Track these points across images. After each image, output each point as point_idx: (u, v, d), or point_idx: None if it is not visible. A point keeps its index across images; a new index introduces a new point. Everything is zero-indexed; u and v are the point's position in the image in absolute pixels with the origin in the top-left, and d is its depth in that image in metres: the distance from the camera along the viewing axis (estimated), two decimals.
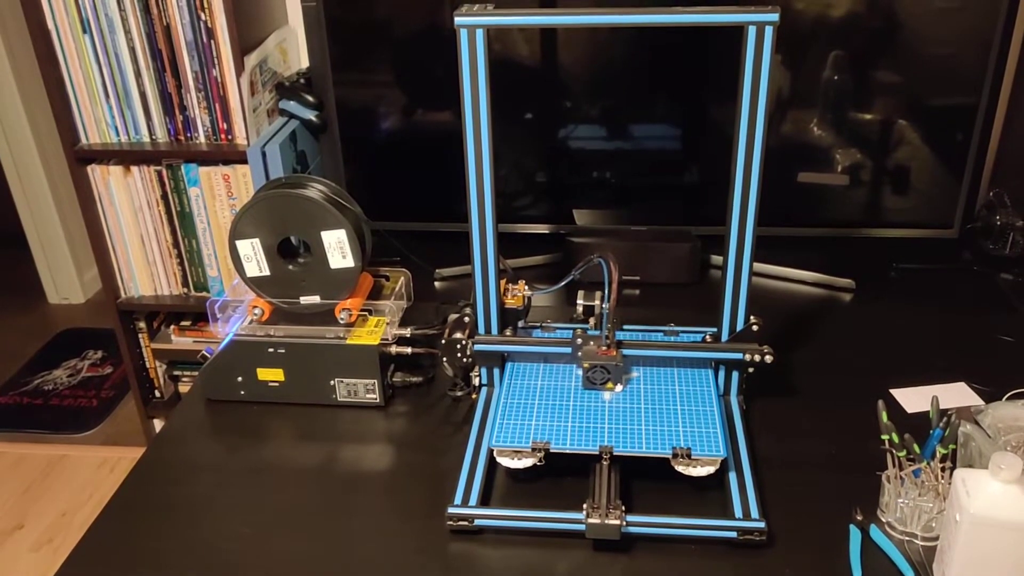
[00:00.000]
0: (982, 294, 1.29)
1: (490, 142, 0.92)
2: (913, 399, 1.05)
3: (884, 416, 0.87)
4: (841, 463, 0.95)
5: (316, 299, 1.04)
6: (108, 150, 1.42)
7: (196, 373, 1.60)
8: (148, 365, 1.63)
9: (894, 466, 0.86)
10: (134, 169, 1.43)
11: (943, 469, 0.84)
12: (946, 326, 1.20)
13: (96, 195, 1.46)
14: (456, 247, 1.39)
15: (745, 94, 0.87)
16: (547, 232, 1.40)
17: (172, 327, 1.62)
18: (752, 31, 0.85)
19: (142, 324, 1.61)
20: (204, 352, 1.10)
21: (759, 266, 1.34)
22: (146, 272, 1.52)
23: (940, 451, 0.84)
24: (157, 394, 1.67)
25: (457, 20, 0.87)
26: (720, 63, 1.27)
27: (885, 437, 0.86)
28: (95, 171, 1.44)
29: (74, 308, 2.74)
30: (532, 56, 1.30)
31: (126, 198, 1.45)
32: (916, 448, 0.85)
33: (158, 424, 1.69)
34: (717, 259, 1.38)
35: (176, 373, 1.67)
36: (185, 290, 1.54)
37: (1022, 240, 1.31)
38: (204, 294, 1.54)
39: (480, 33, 0.88)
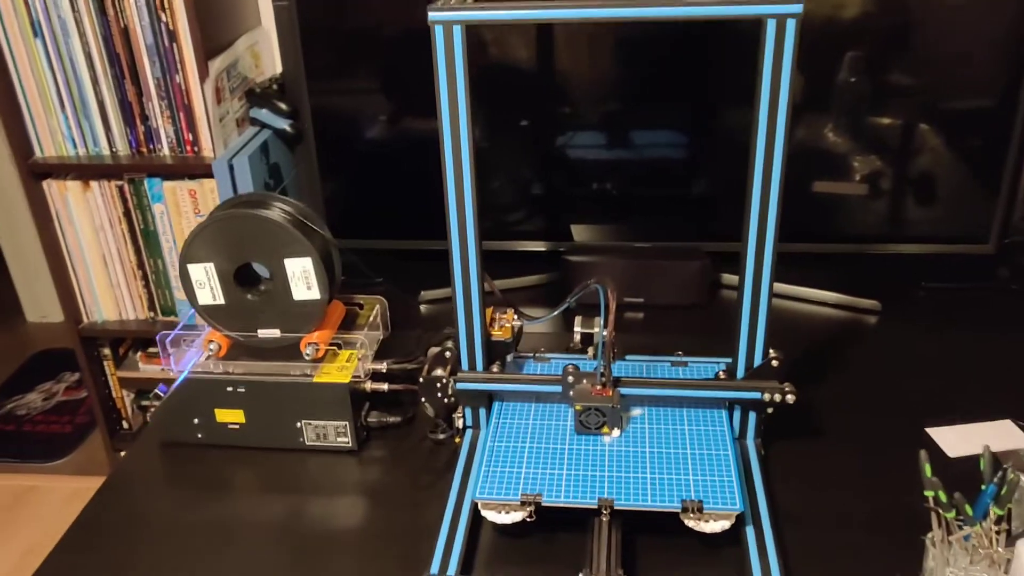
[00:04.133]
0: (1023, 316, 1.17)
1: (470, 153, 0.81)
2: (954, 441, 0.93)
3: (928, 470, 0.75)
4: (875, 519, 0.83)
5: (276, 332, 0.92)
6: (65, 164, 1.31)
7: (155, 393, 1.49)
8: (114, 395, 1.52)
9: (940, 527, 0.74)
10: (93, 184, 1.32)
11: (998, 532, 0.72)
12: (984, 353, 1.08)
13: (53, 212, 1.34)
14: (445, 267, 1.27)
15: (763, 96, 0.76)
16: (543, 250, 1.29)
17: (139, 354, 1.50)
18: (771, 25, 0.73)
19: (107, 351, 1.49)
20: (158, 390, 0.99)
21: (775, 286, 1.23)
22: (109, 295, 1.41)
23: (995, 511, 0.73)
24: (125, 425, 1.56)
25: (431, 16, 0.76)
26: (732, 63, 1.16)
27: (929, 494, 0.74)
28: (51, 186, 1.33)
29: (53, 327, 2.62)
30: (527, 59, 1.19)
31: (86, 215, 1.34)
32: (968, 509, 0.73)
33: None
34: (730, 278, 1.26)
35: (144, 403, 1.55)
36: (152, 314, 1.43)
37: None
38: (172, 318, 1.43)
39: (457, 30, 0.76)
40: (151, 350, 1.50)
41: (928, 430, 0.94)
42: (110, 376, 1.51)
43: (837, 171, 1.22)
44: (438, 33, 0.76)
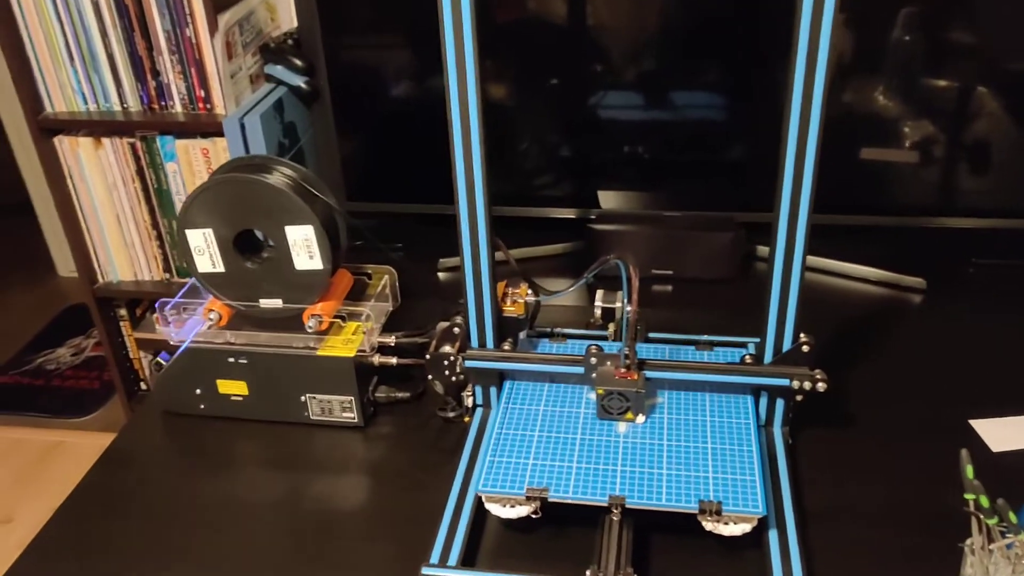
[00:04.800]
0: None
1: (478, 107, 0.75)
2: (999, 433, 0.86)
3: (970, 471, 0.68)
4: (909, 519, 0.77)
5: (278, 303, 0.88)
6: (76, 120, 1.28)
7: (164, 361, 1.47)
8: (132, 356, 1.50)
9: (981, 533, 0.68)
10: (105, 141, 1.29)
11: None
12: None
13: (65, 169, 1.31)
14: None
15: (801, 48, 0.68)
16: (568, 217, 1.23)
17: (155, 315, 1.47)
18: None
19: (123, 312, 1.47)
20: (159, 358, 0.96)
21: (810, 260, 1.15)
22: (124, 255, 1.38)
23: None
24: (143, 386, 1.54)
25: None
26: (779, 17, 1.08)
27: (970, 497, 0.68)
28: (63, 142, 1.29)
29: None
30: (558, 13, 1.11)
31: (98, 173, 1.31)
32: (1012, 517, 0.67)
33: None
34: (764, 251, 1.19)
35: (162, 364, 1.53)
36: (167, 275, 1.40)
37: None
38: (188, 279, 1.39)
39: None
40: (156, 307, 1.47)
41: (971, 422, 0.87)
42: (127, 337, 1.49)
43: (886, 137, 1.13)
44: None
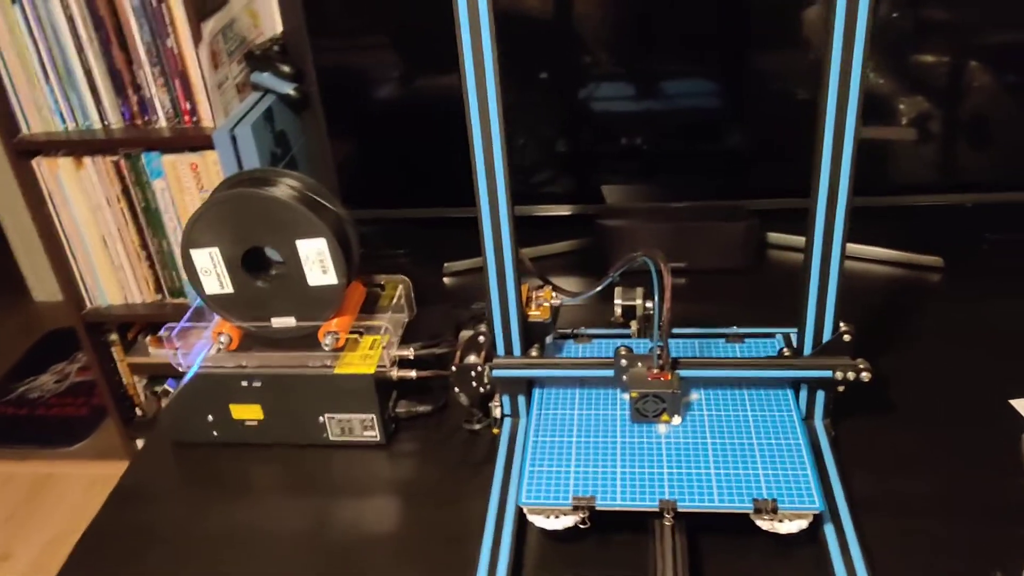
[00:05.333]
0: None
1: (499, 105, 0.71)
2: None
3: None
4: (966, 509, 0.75)
5: (291, 321, 0.84)
6: (54, 140, 1.22)
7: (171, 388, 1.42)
8: (125, 381, 1.45)
9: None
10: (87, 161, 1.23)
11: None
12: None
13: (45, 192, 1.26)
14: (467, 235, 1.18)
15: (838, 25, 0.65)
16: (572, 213, 1.19)
17: (149, 338, 1.43)
18: None
19: (114, 336, 1.42)
20: (167, 386, 0.91)
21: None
22: (112, 278, 1.33)
23: None
24: (139, 412, 1.49)
25: None
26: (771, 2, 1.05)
27: None
28: (41, 164, 1.24)
29: (63, 307, 2.55)
30: (544, 3, 1.08)
31: (80, 194, 1.26)
32: None
33: (142, 446, 1.51)
34: (777, 238, 1.16)
35: (157, 389, 1.48)
36: (160, 296, 1.35)
37: None
38: (182, 300, 1.35)
39: None
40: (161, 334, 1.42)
41: (1012, 402, 0.85)
42: (119, 363, 1.43)
43: (883, 115, 1.11)
44: None
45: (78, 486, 1.86)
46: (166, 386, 0.90)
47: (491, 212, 0.75)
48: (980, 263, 1.10)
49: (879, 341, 0.95)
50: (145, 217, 1.27)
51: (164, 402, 1.49)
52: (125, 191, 1.25)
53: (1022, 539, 0.67)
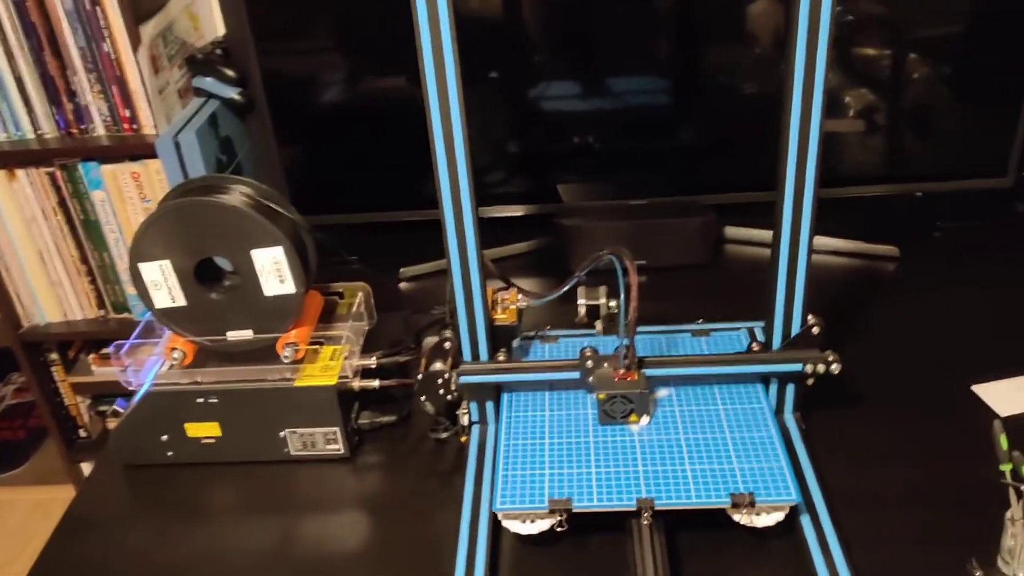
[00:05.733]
0: None
1: (460, 105, 0.69)
2: (1003, 396, 0.85)
3: (1004, 441, 0.67)
4: (937, 496, 0.75)
5: (248, 334, 0.80)
6: None
7: (111, 408, 1.37)
8: (67, 402, 1.39)
9: (1020, 502, 0.66)
10: (20, 173, 1.17)
11: None
12: (1015, 296, 1.00)
13: None
14: (422, 238, 1.15)
15: (802, 17, 0.65)
16: (528, 214, 1.18)
17: (91, 356, 1.37)
18: None
19: (54, 355, 1.36)
20: (116, 406, 0.87)
21: None
22: (51, 295, 1.27)
23: None
24: (83, 433, 1.42)
25: None
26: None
27: (1006, 468, 0.66)
28: None
29: None
30: (491, 2, 1.06)
31: (14, 208, 1.20)
32: None
33: (87, 469, 1.45)
34: (734, 232, 1.17)
35: (102, 408, 1.42)
36: (102, 312, 1.29)
37: None
38: (127, 315, 1.30)
39: None
40: (104, 351, 1.36)
41: (974, 388, 0.86)
42: (60, 383, 1.37)
43: (830, 108, 1.12)
44: None
45: (18, 512, 1.77)
46: (115, 406, 0.86)
47: (455, 215, 0.73)
48: (934, 251, 1.12)
49: (840, 332, 0.95)
50: (84, 230, 1.22)
51: (111, 423, 1.43)
52: (62, 203, 1.20)
53: (995, 524, 0.67)
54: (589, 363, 0.78)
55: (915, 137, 1.14)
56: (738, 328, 0.86)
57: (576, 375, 0.79)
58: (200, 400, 0.81)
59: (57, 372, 1.36)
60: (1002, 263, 1.08)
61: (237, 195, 0.78)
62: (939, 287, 1.03)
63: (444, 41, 0.66)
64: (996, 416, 0.83)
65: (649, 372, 0.78)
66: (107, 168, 1.17)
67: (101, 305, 1.28)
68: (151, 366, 0.84)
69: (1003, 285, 1.03)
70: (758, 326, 0.85)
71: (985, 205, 1.16)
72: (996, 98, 1.09)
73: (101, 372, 1.36)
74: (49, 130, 1.16)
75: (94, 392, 1.40)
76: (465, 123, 0.69)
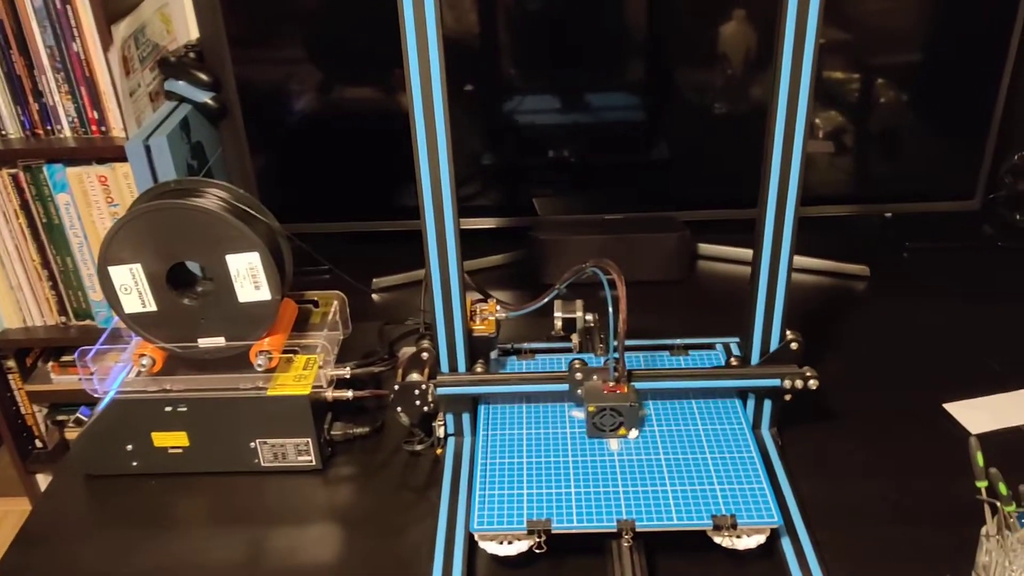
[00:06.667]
0: (1013, 274, 1.12)
1: (445, 117, 0.69)
2: (974, 415, 0.86)
3: (980, 458, 0.67)
4: (912, 511, 0.76)
5: (220, 341, 0.78)
6: None
7: (75, 417, 1.32)
8: (24, 411, 1.34)
9: (995, 518, 0.67)
10: None
11: None
12: (983, 317, 1.02)
13: None
14: (394, 249, 1.14)
15: (787, 42, 0.65)
16: (504, 226, 1.17)
17: (51, 363, 1.33)
18: None
19: (11, 363, 1.31)
20: (80, 413, 0.84)
21: (748, 253, 1.14)
22: (10, 300, 1.23)
23: None
24: (39, 444, 1.38)
25: None
26: (687, 17, 1.06)
27: (982, 485, 0.67)
28: None
29: None
30: (467, 17, 1.06)
31: None
32: None
33: (42, 480, 1.40)
34: (707, 249, 1.17)
35: (60, 418, 1.37)
36: (63, 319, 1.26)
37: None
38: (88, 322, 1.26)
39: None
40: (64, 359, 1.32)
41: (946, 406, 0.87)
42: (16, 391, 1.33)
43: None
44: None
45: None
46: (79, 414, 0.83)
47: (436, 227, 0.72)
48: (903, 271, 1.14)
49: (813, 349, 0.96)
50: (47, 234, 1.18)
51: (70, 432, 1.39)
52: (24, 206, 1.16)
53: (971, 541, 0.67)
54: (578, 375, 0.77)
55: (885, 159, 1.16)
56: (713, 345, 0.86)
57: (560, 388, 0.78)
58: (168, 408, 0.79)
59: (14, 380, 1.32)
60: (969, 284, 1.10)
61: (213, 199, 0.77)
62: (908, 306, 1.05)
63: (432, 56, 0.66)
64: (968, 434, 0.83)
65: (638, 385, 0.77)
66: (73, 171, 1.14)
67: (62, 311, 1.25)
68: (117, 373, 0.82)
69: (970, 306, 1.04)
70: (733, 342, 0.86)
71: (953, 227, 1.18)
72: (964, 123, 1.11)
73: (60, 380, 1.32)
74: (13, 131, 1.13)
75: (52, 401, 1.36)
76: (450, 136, 0.69)
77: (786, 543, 0.70)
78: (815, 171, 1.16)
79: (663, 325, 0.90)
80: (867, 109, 1.13)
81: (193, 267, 0.80)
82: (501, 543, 0.69)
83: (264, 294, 0.77)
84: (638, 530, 0.67)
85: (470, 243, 1.13)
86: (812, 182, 1.15)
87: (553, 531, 0.68)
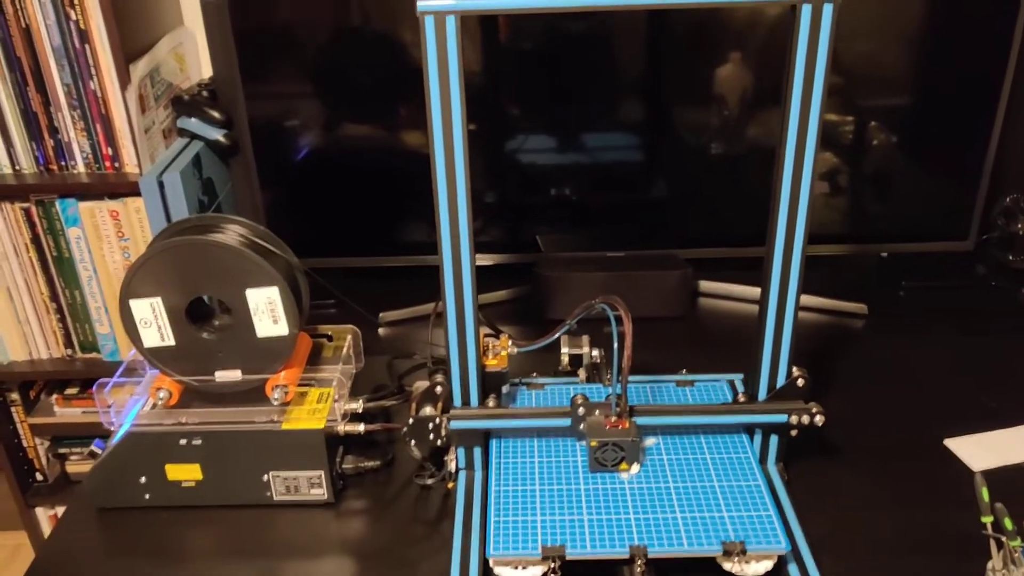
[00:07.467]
0: (1006, 313, 1.14)
1: (465, 157, 0.71)
2: (975, 452, 0.88)
3: (985, 494, 0.69)
4: (918, 544, 0.77)
5: (237, 375, 0.80)
6: None
7: (87, 450, 1.32)
8: (26, 444, 1.34)
9: (1000, 553, 0.68)
10: None
11: None
12: (980, 354, 1.04)
13: None
14: (399, 285, 1.17)
15: (796, 87, 0.68)
16: (508, 262, 1.19)
17: (54, 396, 1.33)
18: (807, 12, 0.66)
19: (15, 395, 1.32)
20: (94, 446, 0.85)
21: (749, 292, 1.17)
22: (16, 332, 1.24)
23: None
24: (39, 477, 1.38)
25: (421, 6, 0.66)
26: (689, 60, 1.09)
27: (987, 520, 0.68)
28: None
29: None
30: (472, 58, 1.09)
31: None
32: None
33: (42, 515, 1.40)
34: (708, 286, 1.19)
35: (62, 451, 1.38)
36: (69, 352, 1.26)
37: None
38: (94, 355, 1.27)
39: (451, 22, 0.66)
40: (68, 391, 1.33)
41: (946, 442, 0.89)
42: (19, 424, 1.33)
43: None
44: (428, 26, 0.66)
45: None
46: (93, 447, 0.84)
47: (453, 262, 0.74)
48: (900, 309, 1.16)
49: (815, 385, 0.98)
50: (56, 267, 1.20)
51: (70, 465, 1.39)
52: (35, 239, 1.18)
53: (976, 574, 0.69)
54: (581, 410, 0.79)
55: (881, 200, 1.19)
56: (716, 379, 0.88)
57: (567, 422, 0.79)
58: (183, 441, 0.80)
59: (17, 412, 1.32)
60: (965, 322, 1.12)
61: (232, 234, 0.78)
62: (906, 344, 1.07)
63: (453, 100, 0.68)
64: (969, 470, 0.85)
65: (640, 420, 0.79)
66: (85, 205, 1.15)
67: (68, 344, 1.26)
68: (132, 405, 0.82)
69: (966, 344, 1.07)
70: (737, 378, 0.88)
71: (948, 266, 1.21)
72: (958, 165, 1.14)
73: (64, 413, 1.32)
74: (27, 166, 1.15)
75: (54, 433, 1.36)
76: (469, 174, 0.71)
77: (793, 570, 0.72)
78: (813, 211, 1.18)
79: (664, 360, 0.92)
80: (862, 151, 1.16)
81: (210, 302, 0.81)
82: (516, 568, 0.70)
83: (282, 328, 0.79)
84: (650, 556, 0.68)
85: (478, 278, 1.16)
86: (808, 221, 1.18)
87: (568, 557, 0.69)
